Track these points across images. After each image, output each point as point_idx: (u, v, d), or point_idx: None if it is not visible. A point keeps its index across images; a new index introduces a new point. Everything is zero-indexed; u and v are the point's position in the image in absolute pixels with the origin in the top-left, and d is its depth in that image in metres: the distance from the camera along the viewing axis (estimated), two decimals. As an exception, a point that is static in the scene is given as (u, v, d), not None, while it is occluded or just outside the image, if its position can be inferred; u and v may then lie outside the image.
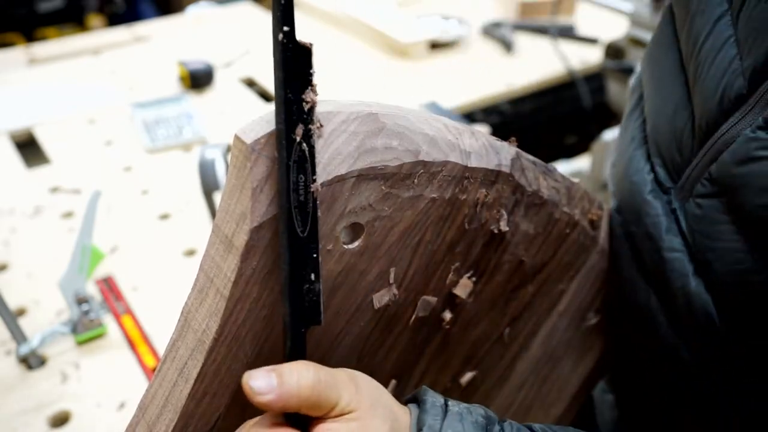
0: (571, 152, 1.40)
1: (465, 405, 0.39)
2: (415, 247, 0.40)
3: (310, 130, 0.33)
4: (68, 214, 1.01)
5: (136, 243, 0.95)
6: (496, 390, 0.56)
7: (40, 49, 1.59)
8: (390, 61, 1.49)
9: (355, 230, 0.37)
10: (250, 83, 1.43)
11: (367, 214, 0.37)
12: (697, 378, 0.47)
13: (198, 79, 1.36)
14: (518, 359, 0.55)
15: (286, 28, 0.31)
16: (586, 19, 1.68)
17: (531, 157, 0.45)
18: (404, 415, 0.38)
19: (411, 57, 1.49)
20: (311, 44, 0.32)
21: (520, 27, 1.61)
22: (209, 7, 1.86)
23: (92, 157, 1.16)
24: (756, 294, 0.41)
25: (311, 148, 0.33)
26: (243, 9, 1.83)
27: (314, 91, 0.33)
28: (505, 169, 0.42)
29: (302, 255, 0.34)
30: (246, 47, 1.56)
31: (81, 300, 0.78)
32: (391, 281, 0.41)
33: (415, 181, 0.38)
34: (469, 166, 0.40)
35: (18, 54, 1.56)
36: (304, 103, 0.32)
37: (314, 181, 0.33)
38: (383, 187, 0.37)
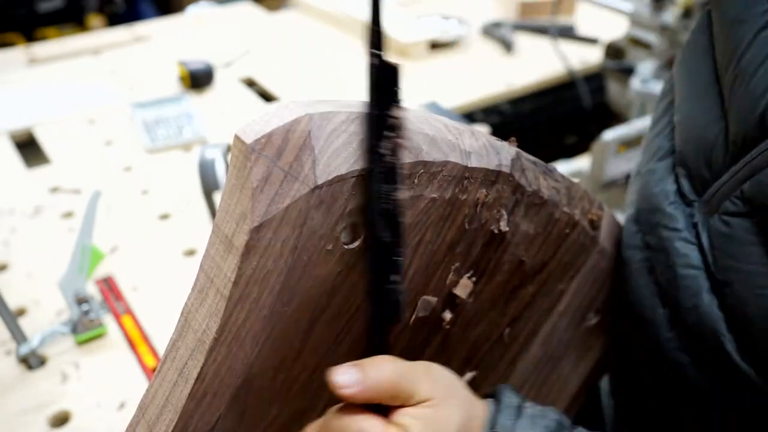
0: (571, 152, 1.40)
1: (540, 408, 0.41)
2: (415, 247, 0.40)
3: (397, 143, 0.35)
4: (68, 214, 1.01)
5: (136, 243, 0.95)
6: (496, 390, 0.56)
7: (40, 49, 1.59)
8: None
9: (355, 230, 0.37)
10: (250, 83, 1.43)
11: (368, 214, 0.37)
12: (696, 381, 0.47)
13: (198, 79, 1.36)
14: (518, 359, 0.55)
15: (376, 51, 0.35)
16: (586, 19, 1.68)
17: (531, 157, 0.45)
18: (481, 408, 0.40)
19: (411, 57, 1.49)
20: (399, 64, 0.36)
21: (520, 27, 1.61)
22: (209, 7, 1.86)
23: (92, 157, 1.16)
24: None
25: (398, 160, 0.36)
26: (243, 9, 1.83)
27: (401, 108, 0.36)
28: (506, 169, 0.42)
29: (386, 258, 0.36)
30: (246, 47, 1.56)
31: (81, 300, 0.78)
32: (391, 281, 0.41)
33: (415, 181, 0.38)
34: (469, 166, 0.40)
35: (18, 54, 1.56)
36: (389, 119, 0.35)
37: (399, 189, 0.36)
38: (383, 187, 0.37)
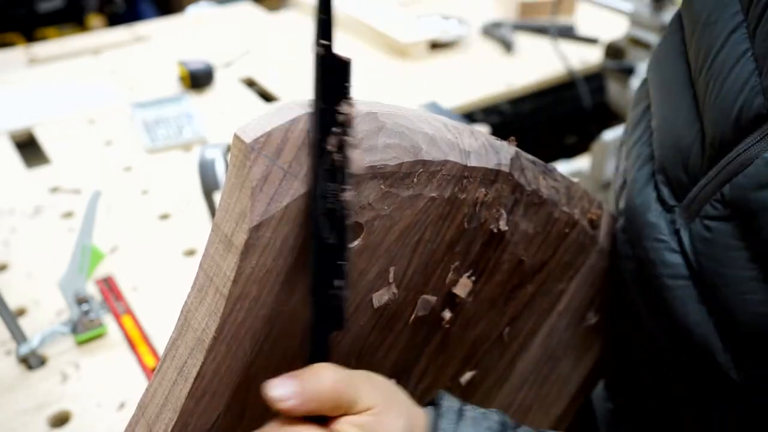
0: (571, 152, 1.40)
1: (481, 410, 0.40)
2: (414, 246, 0.40)
3: (344, 140, 0.34)
4: (68, 214, 1.01)
5: (136, 243, 0.95)
6: (495, 390, 0.56)
7: (40, 49, 1.59)
8: (390, 61, 1.49)
9: (355, 229, 0.37)
10: (250, 83, 1.43)
11: (367, 213, 0.37)
12: (692, 383, 0.47)
13: (198, 79, 1.36)
14: (518, 359, 0.55)
15: (324, 42, 0.33)
16: (586, 19, 1.68)
17: (530, 157, 0.45)
18: (420, 416, 0.39)
19: (411, 57, 1.49)
20: (349, 59, 0.34)
21: (520, 27, 1.61)
22: (209, 7, 1.86)
23: (92, 157, 1.16)
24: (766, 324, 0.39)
25: (345, 158, 0.34)
26: (243, 9, 1.84)
27: (350, 104, 0.34)
28: (505, 169, 0.42)
29: (328, 261, 0.35)
30: (246, 47, 1.56)
31: (81, 300, 0.78)
32: (391, 280, 0.41)
33: (415, 180, 0.38)
34: (468, 165, 0.40)
35: (18, 54, 1.56)
36: (338, 114, 0.33)
37: (346, 190, 0.34)
38: (383, 186, 0.37)
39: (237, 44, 1.58)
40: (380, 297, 0.41)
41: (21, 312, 0.83)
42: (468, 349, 0.51)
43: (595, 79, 1.42)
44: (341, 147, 0.34)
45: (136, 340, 0.79)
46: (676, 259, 0.45)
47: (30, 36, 2.71)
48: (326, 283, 0.35)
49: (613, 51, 1.35)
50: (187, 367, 0.36)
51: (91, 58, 1.54)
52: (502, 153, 0.43)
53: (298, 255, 0.35)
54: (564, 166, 1.26)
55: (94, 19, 2.89)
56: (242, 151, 0.32)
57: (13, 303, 0.81)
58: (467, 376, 0.52)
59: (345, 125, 0.34)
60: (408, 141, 0.37)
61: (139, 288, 0.87)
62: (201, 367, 0.35)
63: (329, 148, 0.33)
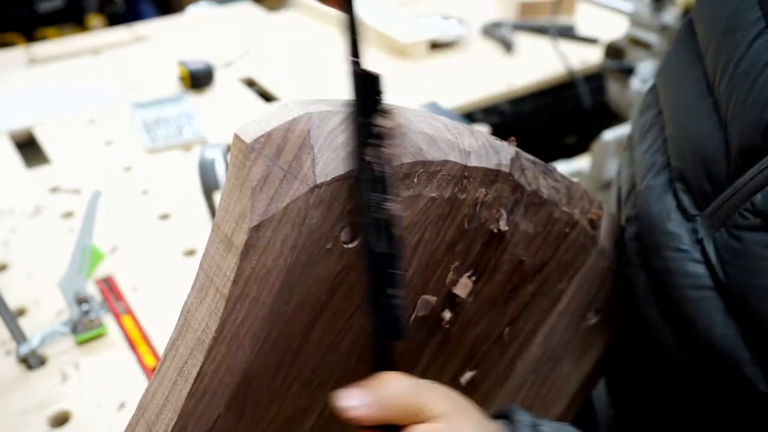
0: (571, 152, 1.40)
1: (555, 425, 0.39)
2: (414, 246, 0.40)
3: (384, 152, 0.35)
4: (68, 214, 1.01)
5: (136, 243, 0.95)
6: (496, 390, 0.56)
7: (40, 49, 1.59)
8: (390, 61, 1.49)
9: (355, 230, 0.37)
10: (250, 83, 1.43)
11: (367, 213, 0.37)
12: (695, 386, 0.47)
13: (198, 79, 1.36)
14: (518, 359, 0.55)
15: (355, 60, 0.35)
16: (586, 19, 1.68)
17: (530, 157, 0.45)
18: (493, 429, 0.38)
19: (411, 57, 1.49)
20: (380, 73, 0.35)
21: (520, 27, 1.61)
22: (209, 7, 1.87)
23: (92, 157, 1.16)
24: None
25: (385, 169, 0.35)
26: (243, 9, 1.84)
27: (385, 117, 0.35)
28: (505, 169, 0.42)
29: (381, 271, 0.35)
30: (246, 47, 1.56)
31: (81, 300, 0.78)
32: (391, 280, 0.41)
33: (415, 180, 0.38)
34: (468, 165, 0.40)
35: (18, 54, 1.56)
36: (374, 127, 0.35)
37: (390, 200, 0.35)
38: (383, 187, 0.37)
39: (237, 44, 1.58)
40: (380, 297, 0.41)
41: (21, 312, 0.83)
42: (468, 350, 0.51)
43: (595, 79, 1.42)
44: (381, 158, 0.35)
45: (136, 340, 0.79)
46: (700, 269, 0.45)
47: (30, 36, 2.71)
48: (382, 293, 0.36)
49: (613, 51, 1.35)
50: (187, 367, 0.36)
51: (91, 58, 1.54)
52: (502, 153, 0.42)
53: (298, 255, 0.35)
54: (564, 166, 1.26)
55: (94, 19, 2.89)
56: (242, 151, 0.32)
57: (13, 303, 0.81)
58: (467, 376, 0.52)
59: (383, 137, 0.35)
60: (408, 141, 0.37)
61: (139, 288, 0.87)
62: (201, 367, 0.35)
63: (370, 159, 0.34)
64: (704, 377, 0.46)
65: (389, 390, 0.35)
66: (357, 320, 0.41)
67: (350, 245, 0.37)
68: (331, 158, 0.34)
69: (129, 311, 0.83)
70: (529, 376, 0.57)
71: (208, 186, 0.90)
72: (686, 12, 1.21)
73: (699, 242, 0.45)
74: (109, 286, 0.87)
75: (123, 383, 0.74)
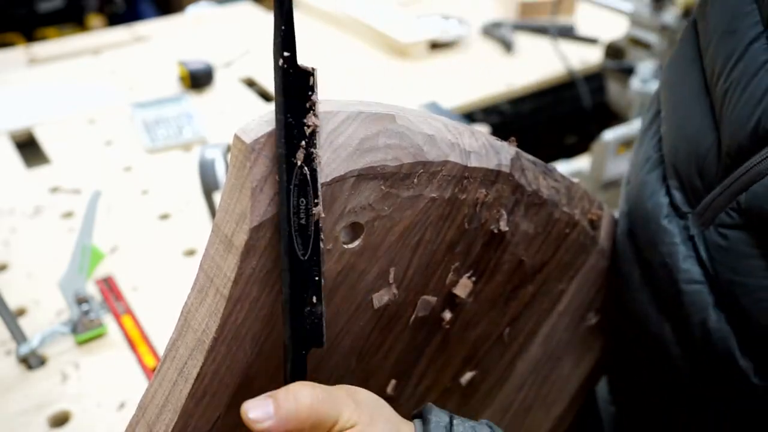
0: (571, 152, 1.40)
1: (470, 424, 0.39)
2: (414, 246, 0.40)
3: (311, 153, 0.33)
4: (68, 214, 1.01)
5: (136, 243, 0.95)
6: (496, 390, 0.56)
7: (40, 49, 1.59)
8: (390, 61, 1.49)
9: (355, 230, 0.37)
10: (250, 83, 1.43)
11: (367, 213, 0.37)
12: (694, 383, 0.47)
13: (198, 79, 1.36)
14: (518, 359, 0.55)
15: (286, 54, 0.31)
16: (586, 19, 1.68)
17: (531, 157, 0.45)
18: (409, 429, 0.38)
19: (411, 57, 1.49)
20: (314, 69, 0.32)
21: (520, 27, 1.61)
22: (209, 7, 1.87)
23: (92, 157, 1.16)
24: None
25: (313, 171, 0.33)
26: (243, 9, 1.84)
27: (316, 116, 0.33)
28: (505, 169, 0.42)
29: (303, 278, 0.34)
30: (246, 47, 1.56)
31: (81, 300, 0.78)
32: (391, 281, 0.41)
33: (415, 180, 0.38)
34: (468, 165, 0.40)
35: (18, 54, 1.56)
36: (305, 127, 0.33)
37: (316, 204, 0.33)
38: (383, 187, 0.37)
39: (237, 44, 1.58)
40: (380, 298, 0.41)
41: (21, 312, 0.83)
42: (468, 350, 0.51)
43: (595, 79, 1.42)
44: (309, 160, 0.33)
45: (136, 340, 0.79)
46: (692, 265, 0.45)
47: (30, 36, 2.71)
48: (302, 301, 0.35)
49: (613, 51, 1.35)
50: (187, 367, 0.36)
51: (91, 58, 1.54)
52: (503, 153, 0.42)
53: None
54: (564, 166, 1.26)
55: (94, 19, 2.89)
56: (242, 152, 0.32)
57: (13, 303, 0.81)
58: (467, 376, 0.52)
59: (311, 138, 0.33)
60: (408, 141, 0.37)
61: (139, 288, 0.87)
62: (201, 367, 0.35)
63: (296, 162, 0.32)
64: (702, 374, 0.46)
65: (298, 401, 0.33)
66: (357, 320, 0.41)
67: (350, 246, 0.37)
68: (331, 158, 0.34)
69: (129, 311, 0.83)
70: (529, 376, 0.57)
71: (208, 186, 0.90)
72: (686, 12, 1.21)
73: (690, 239, 0.46)
74: (109, 286, 0.87)
75: (123, 383, 0.74)
